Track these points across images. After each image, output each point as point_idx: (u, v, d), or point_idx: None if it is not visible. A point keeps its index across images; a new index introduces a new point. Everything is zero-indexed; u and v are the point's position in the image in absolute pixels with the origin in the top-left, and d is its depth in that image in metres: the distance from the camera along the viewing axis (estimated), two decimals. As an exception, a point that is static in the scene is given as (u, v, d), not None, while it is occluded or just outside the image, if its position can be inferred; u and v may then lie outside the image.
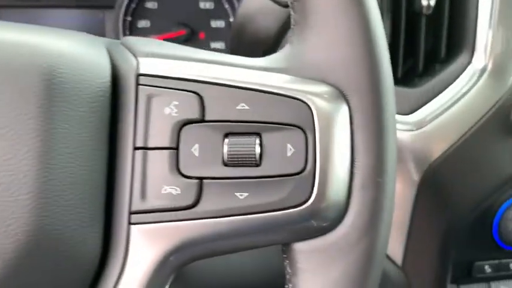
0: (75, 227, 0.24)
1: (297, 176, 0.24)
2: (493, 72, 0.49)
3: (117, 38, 0.59)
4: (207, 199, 0.24)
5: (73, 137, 0.24)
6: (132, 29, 0.60)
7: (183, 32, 0.61)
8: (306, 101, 0.25)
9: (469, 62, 0.49)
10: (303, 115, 0.25)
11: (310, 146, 0.25)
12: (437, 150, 0.49)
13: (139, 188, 0.25)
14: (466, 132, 0.48)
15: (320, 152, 0.24)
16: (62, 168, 0.23)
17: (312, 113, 0.24)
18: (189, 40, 0.61)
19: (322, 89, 0.25)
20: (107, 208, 0.25)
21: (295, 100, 0.25)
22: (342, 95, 0.26)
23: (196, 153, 0.25)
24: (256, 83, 0.25)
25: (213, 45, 0.62)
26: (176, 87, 0.25)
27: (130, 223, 0.25)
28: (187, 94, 0.25)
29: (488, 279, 0.53)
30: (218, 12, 0.61)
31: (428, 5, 0.48)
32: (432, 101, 0.50)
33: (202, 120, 0.25)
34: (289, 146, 0.25)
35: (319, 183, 0.24)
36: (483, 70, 0.49)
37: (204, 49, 0.68)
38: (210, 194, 0.24)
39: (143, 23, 0.60)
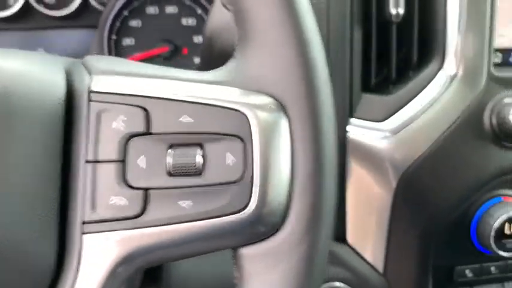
0: (27, 237, 0.25)
1: (237, 183, 0.26)
2: (464, 77, 0.49)
3: (102, 56, 0.61)
4: (153, 208, 0.26)
5: (25, 153, 0.25)
6: (117, 47, 0.62)
7: (167, 48, 0.62)
8: (244, 111, 0.26)
9: (440, 68, 0.50)
10: (242, 125, 0.26)
11: (249, 154, 0.26)
12: (412, 155, 0.50)
13: (89, 199, 0.26)
14: (439, 137, 0.49)
15: (258, 160, 0.26)
16: (13, 183, 0.25)
17: (249, 123, 0.26)
18: (172, 56, 0.63)
19: (262, 100, 0.27)
20: (62, 219, 0.26)
21: (234, 111, 0.26)
22: (281, 106, 0.27)
23: (142, 165, 0.26)
24: (198, 96, 0.27)
25: (196, 60, 0.63)
26: (124, 103, 0.27)
27: (82, 233, 0.26)
28: (134, 109, 0.26)
29: (470, 284, 0.53)
30: (200, 28, 0.63)
31: (397, 14, 0.49)
32: (405, 107, 0.50)
33: (147, 133, 0.26)
34: (229, 155, 0.26)
35: (259, 190, 0.25)
36: (454, 76, 0.49)
37: (188, 63, 0.69)
38: (155, 203, 0.26)
39: (128, 41, 0.62)
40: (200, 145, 0.26)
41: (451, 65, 0.50)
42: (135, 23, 0.62)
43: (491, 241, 0.49)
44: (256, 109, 0.26)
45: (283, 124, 0.26)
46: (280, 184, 0.26)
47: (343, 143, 0.52)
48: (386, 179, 0.51)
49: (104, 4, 0.61)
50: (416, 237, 0.52)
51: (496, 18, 0.50)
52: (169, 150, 0.26)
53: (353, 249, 0.55)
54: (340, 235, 0.55)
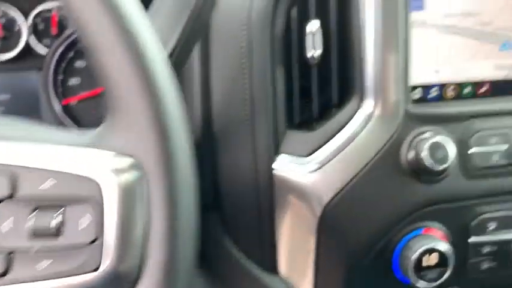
0: None
1: (91, 245, 0.28)
2: (381, 116, 0.51)
3: (48, 96, 0.63)
4: (16, 268, 0.28)
5: None
6: (64, 87, 0.65)
7: (111, 86, 0.65)
8: (96, 178, 0.28)
9: (359, 107, 0.52)
10: (96, 190, 0.28)
11: (103, 217, 0.28)
12: (333, 189, 0.51)
13: None
14: (358, 173, 0.51)
15: (113, 222, 0.28)
16: None
17: (101, 188, 0.28)
18: (118, 93, 0.66)
19: (123, 163, 0.29)
20: None
21: (89, 177, 0.28)
22: (140, 168, 0.29)
23: (8, 227, 0.28)
24: (61, 162, 0.29)
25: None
26: None
27: None
28: (1, 175, 0.29)
29: (397, 314, 0.54)
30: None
31: (313, 56, 0.52)
32: (327, 144, 0.52)
33: (13, 197, 0.29)
34: (85, 218, 0.28)
35: (113, 250, 0.28)
36: (371, 114, 0.51)
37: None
38: (18, 263, 0.28)
39: (74, 81, 0.65)
40: (61, 208, 0.28)
41: (369, 104, 0.51)
42: (80, 63, 0.65)
43: (411, 273, 0.51)
44: (113, 173, 0.28)
45: (141, 185, 0.29)
46: (134, 243, 0.28)
47: (270, 179, 0.54)
48: (311, 212, 0.53)
49: (49, 47, 0.64)
50: (341, 269, 0.53)
51: (411, 57, 0.52)
52: (33, 213, 0.28)
53: (284, 280, 0.56)
54: (272, 266, 0.57)
